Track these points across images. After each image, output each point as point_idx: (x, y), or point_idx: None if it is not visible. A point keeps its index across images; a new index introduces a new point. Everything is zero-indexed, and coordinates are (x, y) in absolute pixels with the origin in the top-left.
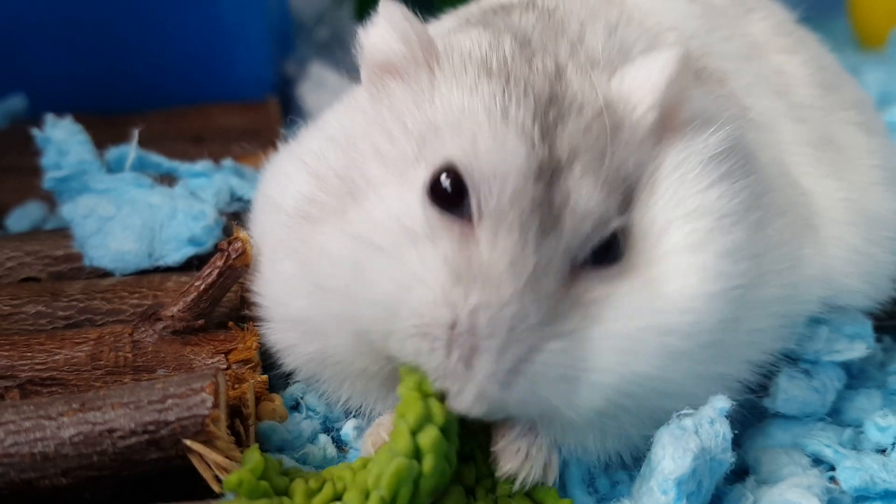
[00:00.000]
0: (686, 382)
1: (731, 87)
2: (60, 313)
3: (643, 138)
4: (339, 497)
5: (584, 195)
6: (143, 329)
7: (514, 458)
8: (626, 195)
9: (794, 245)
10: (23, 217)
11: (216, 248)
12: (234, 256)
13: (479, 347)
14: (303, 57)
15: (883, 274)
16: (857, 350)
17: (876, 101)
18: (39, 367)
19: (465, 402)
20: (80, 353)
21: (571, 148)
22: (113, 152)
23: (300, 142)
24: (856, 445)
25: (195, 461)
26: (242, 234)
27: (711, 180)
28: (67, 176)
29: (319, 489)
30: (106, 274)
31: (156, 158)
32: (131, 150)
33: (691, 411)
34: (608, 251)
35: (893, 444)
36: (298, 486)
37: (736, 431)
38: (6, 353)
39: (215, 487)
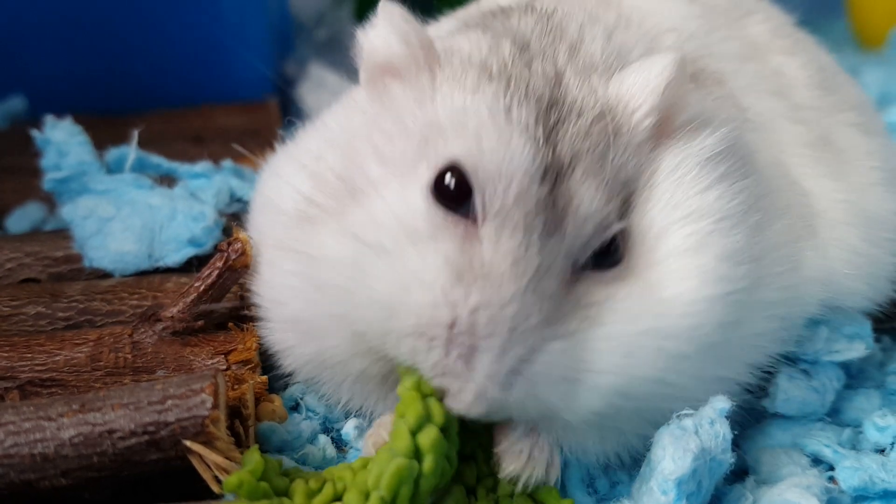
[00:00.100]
0: (685, 385)
1: (730, 88)
2: (60, 314)
3: (641, 142)
4: (339, 497)
5: (587, 198)
6: (142, 330)
7: (517, 460)
8: (626, 199)
9: (794, 247)
10: (22, 218)
11: (216, 249)
12: (233, 257)
13: (479, 347)
14: (303, 57)
15: (882, 275)
16: (857, 350)
17: (875, 101)
18: (39, 368)
19: (465, 401)
20: (79, 354)
21: (573, 151)
22: (113, 153)
23: (298, 143)
24: (855, 445)
25: (195, 462)
26: (242, 234)
27: (710, 181)
28: (67, 177)
29: (320, 490)
30: (106, 275)
31: (155, 159)
32: (131, 151)
33: (691, 412)
34: (608, 255)
35: (892, 443)
36: (298, 487)
37: (736, 432)
38: (6, 354)
39: (215, 488)
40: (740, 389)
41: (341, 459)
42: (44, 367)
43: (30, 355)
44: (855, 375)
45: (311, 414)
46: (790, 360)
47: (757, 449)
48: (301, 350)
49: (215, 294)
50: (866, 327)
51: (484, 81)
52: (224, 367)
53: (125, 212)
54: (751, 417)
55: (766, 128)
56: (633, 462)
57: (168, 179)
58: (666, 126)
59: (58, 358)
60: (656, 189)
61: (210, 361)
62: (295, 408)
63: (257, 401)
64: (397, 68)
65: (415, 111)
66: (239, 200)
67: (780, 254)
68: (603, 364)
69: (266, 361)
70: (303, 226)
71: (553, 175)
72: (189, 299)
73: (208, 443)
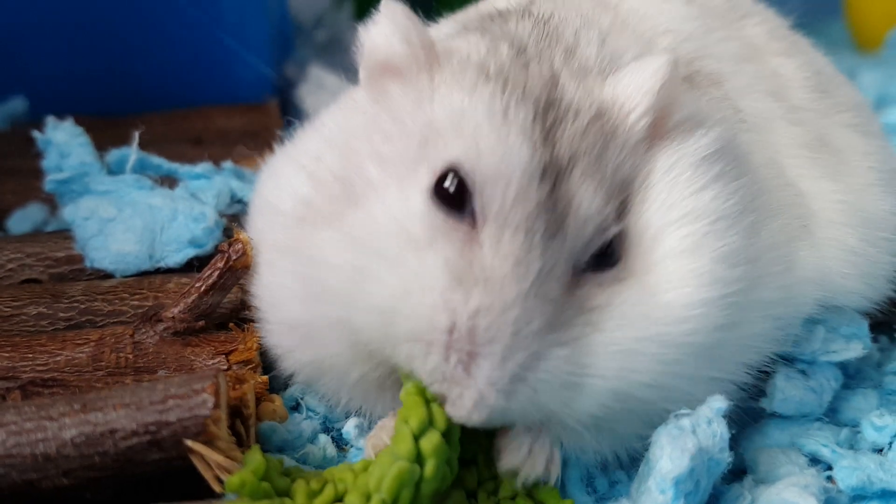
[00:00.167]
0: (681, 386)
1: (726, 90)
2: (61, 315)
3: (637, 143)
4: (340, 498)
5: (587, 199)
6: (143, 330)
7: (517, 455)
8: (623, 200)
9: (790, 247)
10: (24, 219)
11: (217, 250)
12: (234, 258)
13: (479, 353)
14: (303, 59)
15: (879, 274)
16: (854, 350)
17: (873, 103)
18: (41, 368)
19: (464, 409)
20: (81, 355)
21: (571, 151)
22: (114, 154)
23: (297, 143)
24: (853, 445)
25: (196, 461)
26: (243, 235)
27: (704, 182)
28: (68, 178)
29: (321, 490)
30: (107, 275)
31: (156, 160)
32: (132, 152)
33: (689, 412)
34: (606, 256)
35: (890, 443)
36: (300, 487)
37: (733, 431)
38: (7, 355)
39: (216, 488)
40: (736, 389)
41: (342, 459)
42: (45, 368)
43: (31, 355)
44: (852, 375)
45: (311, 413)
46: (788, 360)
47: (755, 448)
48: (300, 354)
49: (216, 294)
50: (864, 327)
51: (481, 82)
52: (225, 367)
53: (126, 213)
54: (749, 417)
55: (763, 129)
56: (631, 462)
57: (169, 180)
58: (660, 126)
59: (59, 358)
60: (652, 190)
61: (211, 361)
62: (295, 407)
63: (258, 400)
64: (397, 67)
65: (413, 112)
66: (239, 201)
67: (776, 254)
68: (601, 369)
69: (267, 361)
70: (302, 227)
71: (552, 176)
72: (190, 300)
73: (209, 442)
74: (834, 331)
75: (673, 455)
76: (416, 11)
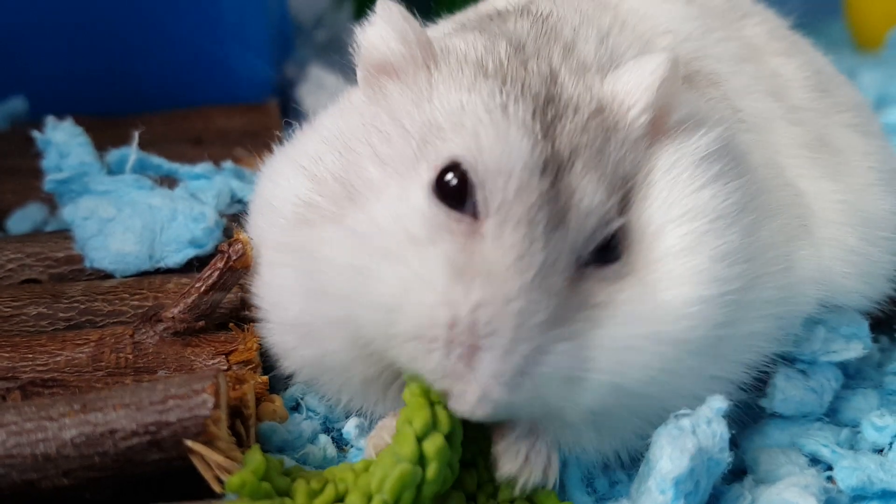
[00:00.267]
0: (681, 384)
1: (725, 90)
2: (61, 315)
3: (637, 139)
4: (340, 498)
5: (589, 192)
6: (143, 330)
7: (514, 461)
8: (625, 196)
9: (789, 247)
10: (24, 219)
11: (217, 250)
12: (234, 258)
13: (480, 346)
14: (302, 59)
15: (879, 274)
16: (854, 350)
17: (873, 102)
18: (41, 368)
19: (468, 403)
20: (81, 355)
21: (571, 145)
22: (113, 154)
23: (296, 144)
24: (853, 445)
25: (196, 462)
26: (243, 235)
27: (704, 181)
28: (68, 178)
29: (321, 490)
30: (107, 276)
31: (156, 160)
32: (132, 152)
33: (689, 412)
34: (608, 250)
35: (890, 443)
36: (300, 487)
37: (733, 431)
38: (7, 355)
39: (216, 488)
40: (736, 388)
41: (342, 459)
42: (45, 368)
43: (31, 356)
44: (853, 375)
45: (311, 414)
46: (788, 359)
47: (755, 449)
48: (301, 353)
49: (216, 295)
50: (864, 327)
51: (480, 79)
52: (225, 367)
53: (126, 213)
54: (749, 417)
55: (763, 129)
56: (631, 462)
57: (169, 180)
58: (660, 124)
59: (59, 358)
60: (653, 187)
61: (211, 361)
62: (295, 408)
63: (258, 401)
64: (395, 67)
65: (412, 112)
66: (239, 201)
67: (775, 253)
68: (600, 364)
69: (267, 361)
70: (302, 228)
71: (553, 169)
72: (190, 300)
73: (209, 443)
74: (834, 331)
75: (673, 455)
76: (413, 12)
